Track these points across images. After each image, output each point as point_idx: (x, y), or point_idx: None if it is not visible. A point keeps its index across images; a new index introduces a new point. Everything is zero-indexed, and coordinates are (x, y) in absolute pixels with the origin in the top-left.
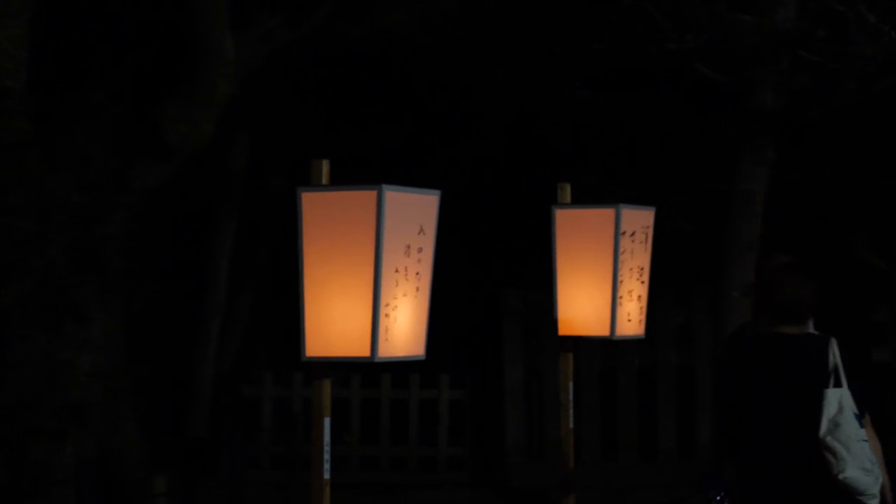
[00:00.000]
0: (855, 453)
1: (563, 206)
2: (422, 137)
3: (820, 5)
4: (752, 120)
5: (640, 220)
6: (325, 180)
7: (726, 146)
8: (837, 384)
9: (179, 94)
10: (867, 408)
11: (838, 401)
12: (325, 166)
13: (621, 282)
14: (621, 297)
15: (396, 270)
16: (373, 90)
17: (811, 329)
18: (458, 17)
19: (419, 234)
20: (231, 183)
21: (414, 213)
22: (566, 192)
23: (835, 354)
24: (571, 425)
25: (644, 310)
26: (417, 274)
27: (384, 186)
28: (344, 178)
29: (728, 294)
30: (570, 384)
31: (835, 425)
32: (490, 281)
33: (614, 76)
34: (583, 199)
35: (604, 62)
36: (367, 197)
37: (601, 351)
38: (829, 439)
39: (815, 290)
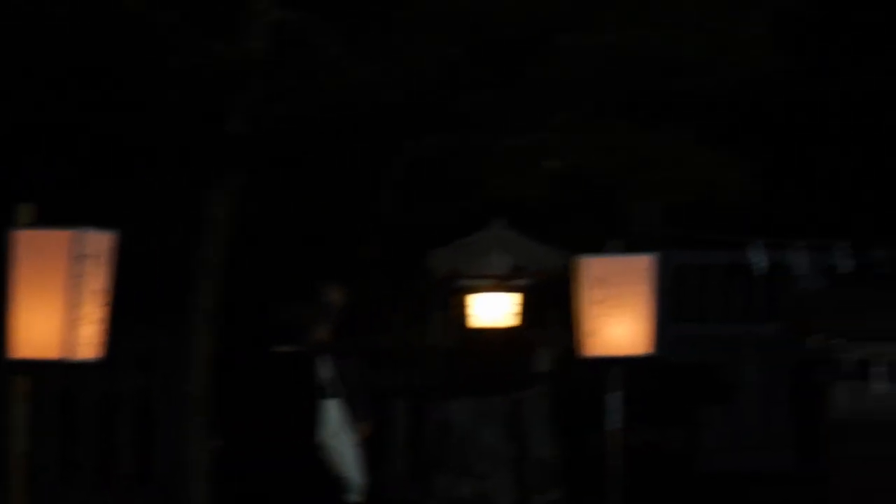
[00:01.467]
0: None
1: (21, 227)
2: None
3: (293, 35)
4: (221, 146)
5: (100, 243)
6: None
7: (198, 171)
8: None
9: None
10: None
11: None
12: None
13: (80, 304)
14: (80, 320)
15: None
16: None
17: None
18: None
19: None
20: None
21: None
22: (27, 212)
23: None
24: (25, 448)
25: (104, 332)
26: None
27: None
28: None
29: (194, 317)
30: (23, 406)
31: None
32: None
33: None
34: (48, 219)
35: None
36: None
37: (61, 374)
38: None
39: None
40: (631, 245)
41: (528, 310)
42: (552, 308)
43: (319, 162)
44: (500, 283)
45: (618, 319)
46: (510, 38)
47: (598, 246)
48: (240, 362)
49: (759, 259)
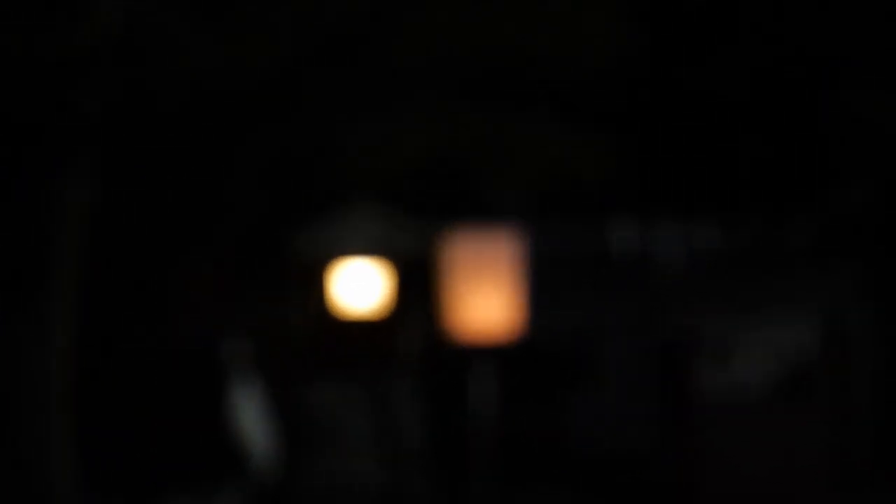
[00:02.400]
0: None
1: None
2: None
3: (145, 19)
4: (73, 127)
5: None
6: None
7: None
8: None
9: None
10: None
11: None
12: None
13: None
14: None
15: None
16: None
17: None
18: None
19: None
20: None
21: None
22: None
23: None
24: None
25: None
26: None
27: None
28: None
29: (51, 305)
30: None
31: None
32: None
33: None
34: None
35: None
36: None
37: None
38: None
39: None
40: (493, 229)
41: (392, 293)
42: (418, 290)
43: (177, 143)
44: (365, 264)
45: (485, 303)
46: (363, 17)
47: (464, 228)
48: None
49: (621, 240)
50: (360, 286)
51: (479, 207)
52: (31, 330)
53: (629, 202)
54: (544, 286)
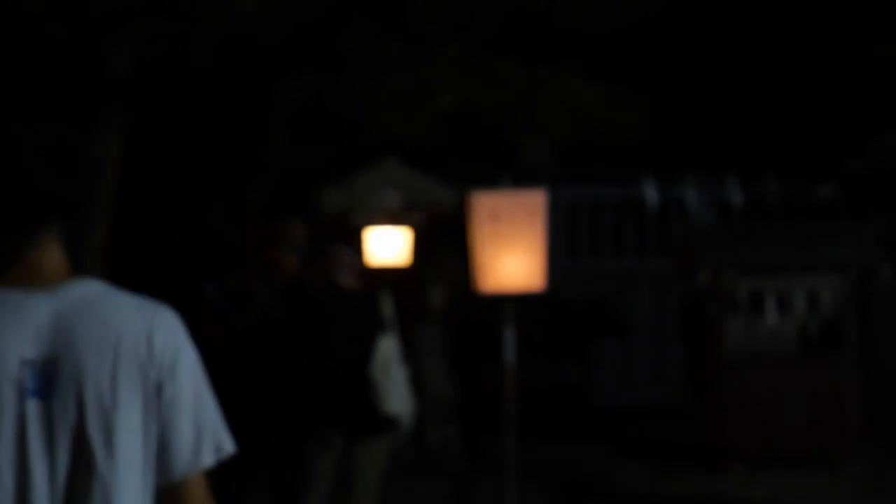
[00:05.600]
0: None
1: None
2: None
3: None
4: (105, 87)
5: None
6: None
7: (81, 112)
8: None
9: None
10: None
11: (386, 346)
12: None
13: None
14: None
15: None
16: None
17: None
18: None
19: None
20: None
21: None
22: None
23: (388, 307)
24: None
25: None
26: None
27: None
28: None
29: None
30: None
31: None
32: None
33: None
34: None
35: None
36: None
37: None
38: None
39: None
40: (522, 181)
41: (420, 246)
42: (445, 244)
43: (205, 102)
44: (393, 220)
45: (510, 255)
46: None
47: (490, 182)
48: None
49: (650, 194)
50: (389, 240)
51: (509, 161)
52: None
53: (660, 156)
54: (573, 239)
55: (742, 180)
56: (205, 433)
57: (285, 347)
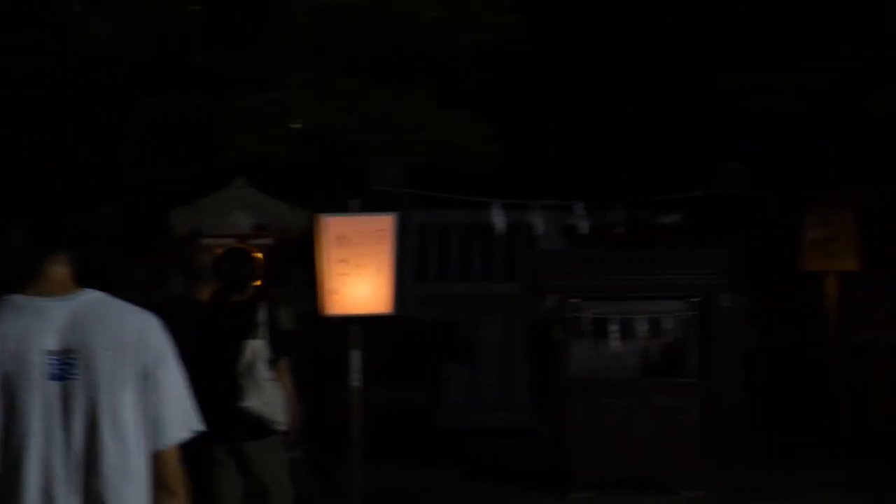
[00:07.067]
0: (262, 389)
1: None
2: None
3: None
4: None
5: None
6: None
7: None
8: (257, 337)
9: None
10: (282, 356)
11: (254, 350)
12: None
13: None
14: None
15: None
16: None
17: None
18: None
19: None
20: None
21: None
22: None
23: (263, 315)
24: None
25: None
26: None
27: None
28: None
29: None
30: None
31: (249, 367)
32: None
33: None
34: None
35: None
36: None
37: None
38: (242, 377)
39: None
40: (372, 204)
41: (270, 268)
42: (295, 267)
43: (60, 120)
44: (243, 242)
45: (359, 278)
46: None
47: (340, 205)
48: None
49: (499, 219)
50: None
51: (362, 184)
52: None
53: (509, 181)
54: (422, 262)
55: (589, 207)
56: (185, 413)
57: None
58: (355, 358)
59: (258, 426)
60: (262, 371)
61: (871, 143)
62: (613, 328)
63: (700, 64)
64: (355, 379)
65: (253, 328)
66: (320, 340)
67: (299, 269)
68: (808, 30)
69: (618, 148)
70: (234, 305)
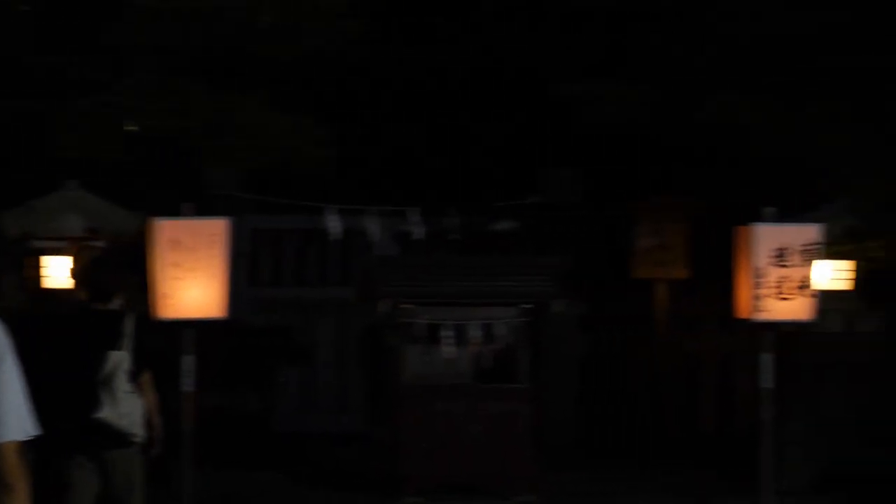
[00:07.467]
0: (119, 401)
1: None
2: None
3: None
4: None
5: None
6: None
7: None
8: (121, 348)
9: None
10: (145, 368)
11: (116, 361)
12: None
13: None
14: None
15: None
16: None
17: (115, 306)
18: None
19: None
20: None
21: None
22: None
23: (129, 326)
24: None
25: None
26: None
27: None
28: None
29: None
30: None
31: (108, 378)
32: None
33: None
34: None
35: None
36: None
37: None
38: (100, 388)
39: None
40: (206, 208)
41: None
42: (127, 270)
43: None
44: (74, 245)
45: (192, 282)
46: None
47: (173, 209)
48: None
49: (334, 224)
50: (67, 266)
51: (194, 186)
52: None
53: (343, 187)
54: (256, 267)
55: (424, 213)
56: (21, 414)
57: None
58: (187, 362)
59: (118, 436)
60: (122, 382)
61: (701, 154)
62: (447, 334)
63: (540, 73)
64: (187, 384)
65: (118, 339)
66: (151, 345)
67: (131, 272)
68: (638, 36)
69: (454, 155)
70: (100, 315)
